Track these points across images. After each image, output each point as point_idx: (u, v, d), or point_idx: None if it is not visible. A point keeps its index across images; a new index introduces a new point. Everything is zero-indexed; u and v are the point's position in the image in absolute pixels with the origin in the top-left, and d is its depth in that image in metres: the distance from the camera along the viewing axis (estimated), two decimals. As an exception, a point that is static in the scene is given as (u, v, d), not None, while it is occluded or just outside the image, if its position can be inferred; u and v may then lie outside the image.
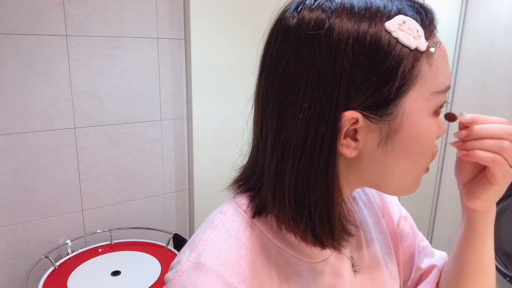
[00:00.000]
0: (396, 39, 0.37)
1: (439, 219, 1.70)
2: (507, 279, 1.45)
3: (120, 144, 1.49)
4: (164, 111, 1.56)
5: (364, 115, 0.39)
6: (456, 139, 0.46)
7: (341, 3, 0.39)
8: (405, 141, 0.40)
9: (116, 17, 1.38)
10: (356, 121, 0.39)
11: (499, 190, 0.46)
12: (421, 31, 0.39)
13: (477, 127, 0.44)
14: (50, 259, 1.31)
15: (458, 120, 0.45)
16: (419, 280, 0.62)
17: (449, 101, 1.64)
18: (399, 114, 0.39)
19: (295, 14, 0.40)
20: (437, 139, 0.43)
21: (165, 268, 1.30)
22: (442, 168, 1.68)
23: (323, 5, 0.39)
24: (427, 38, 0.39)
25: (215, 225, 0.45)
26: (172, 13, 1.50)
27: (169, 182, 1.65)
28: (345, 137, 0.40)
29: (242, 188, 0.48)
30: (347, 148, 0.40)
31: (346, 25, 0.38)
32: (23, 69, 1.26)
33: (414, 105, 0.39)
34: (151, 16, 1.45)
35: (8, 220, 1.32)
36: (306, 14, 0.39)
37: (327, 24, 0.38)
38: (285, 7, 0.43)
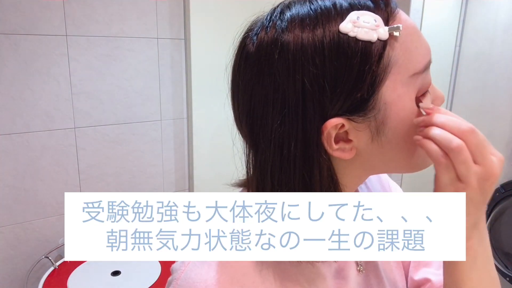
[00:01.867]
0: (355, 37, 0.36)
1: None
2: (507, 279, 1.45)
3: (120, 144, 1.49)
4: (164, 111, 1.56)
5: (347, 118, 0.39)
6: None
7: (291, 18, 0.38)
8: (396, 130, 0.40)
9: (116, 17, 1.38)
10: (342, 125, 0.39)
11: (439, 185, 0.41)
12: (378, 19, 0.37)
13: (435, 115, 0.40)
14: (50, 259, 1.31)
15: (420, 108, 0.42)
16: None
17: (449, 101, 1.64)
18: (381, 107, 0.39)
19: (255, 39, 0.40)
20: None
21: (165, 268, 1.30)
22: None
23: (276, 24, 0.39)
24: (387, 23, 0.38)
25: None
26: (172, 13, 1.50)
27: (169, 182, 1.65)
28: (337, 142, 0.40)
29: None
30: (343, 152, 0.41)
31: (299, 39, 0.37)
32: (23, 69, 1.26)
33: (394, 93, 0.39)
34: (151, 16, 1.45)
35: (8, 220, 1.32)
36: (263, 36, 0.39)
37: (279, 44, 0.38)
38: (246, 31, 0.42)
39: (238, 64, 0.42)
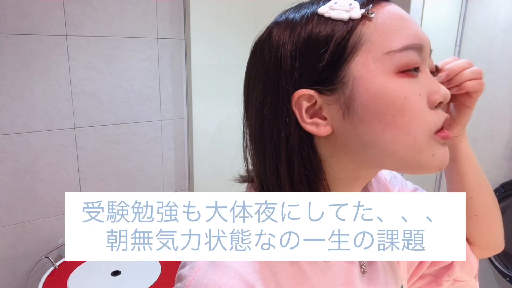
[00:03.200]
0: (329, 17, 0.40)
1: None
2: (507, 279, 1.45)
3: (120, 144, 1.49)
4: (164, 111, 1.57)
5: (316, 91, 0.41)
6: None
7: (285, 16, 0.44)
8: (366, 106, 0.40)
9: (116, 17, 1.38)
10: (315, 101, 0.41)
11: (471, 112, 0.52)
12: (355, 3, 0.41)
13: (449, 66, 0.50)
14: (50, 259, 1.31)
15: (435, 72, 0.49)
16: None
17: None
18: (349, 80, 0.40)
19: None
20: (436, 103, 0.41)
21: (165, 268, 1.30)
22: (442, 168, 1.68)
23: (280, 16, 0.45)
24: (365, 7, 0.41)
25: None
26: (172, 13, 1.50)
27: (169, 182, 1.65)
28: (311, 117, 0.42)
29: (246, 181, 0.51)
30: (317, 127, 0.42)
31: (285, 21, 0.43)
32: (23, 69, 1.26)
33: (364, 68, 0.39)
34: (151, 16, 1.45)
35: (8, 220, 1.32)
36: (268, 27, 0.45)
37: (269, 29, 0.44)
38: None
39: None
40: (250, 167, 0.49)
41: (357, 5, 0.40)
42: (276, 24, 0.44)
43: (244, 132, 0.48)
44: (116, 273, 1.27)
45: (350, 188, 0.47)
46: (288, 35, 0.42)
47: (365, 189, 0.58)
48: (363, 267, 0.51)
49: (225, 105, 1.59)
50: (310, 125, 0.42)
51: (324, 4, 0.41)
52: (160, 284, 1.23)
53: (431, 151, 0.41)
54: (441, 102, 0.42)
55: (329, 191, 0.44)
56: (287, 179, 0.43)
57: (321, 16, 0.41)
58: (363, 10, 0.40)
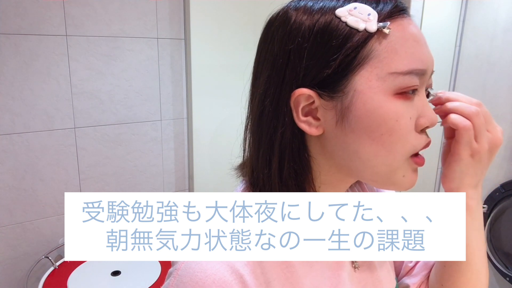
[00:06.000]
0: (345, 23, 0.40)
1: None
2: (507, 279, 1.45)
3: (120, 144, 1.49)
4: (164, 111, 1.57)
5: (317, 93, 0.41)
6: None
7: (305, 2, 0.43)
8: (360, 120, 0.41)
9: (116, 17, 1.38)
10: (313, 101, 0.42)
11: (463, 167, 0.45)
12: (374, 14, 0.40)
13: (448, 93, 0.46)
14: (50, 259, 1.31)
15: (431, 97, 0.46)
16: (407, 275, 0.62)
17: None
18: (350, 91, 0.40)
19: (276, 12, 0.45)
20: (422, 128, 0.42)
21: (165, 268, 1.30)
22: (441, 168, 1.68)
23: (292, 2, 0.44)
24: (384, 21, 0.40)
25: None
26: (172, 13, 1.50)
27: (169, 182, 1.65)
28: (306, 115, 0.43)
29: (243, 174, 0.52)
30: (309, 126, 0.43)
31: (301, 17, 0.42)
32: (23, 69, 1.26)
33: (367, 83, 0.40)
34: (151, 16, 1.45)
35: (8, 220, 1.32)
36: (281, 10, 0.45)
37: (285, 17, 0.43)
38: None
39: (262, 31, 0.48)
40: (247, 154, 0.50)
41: (375, 16, 0.40)
42: (295, 9, 0.43)
43: (247, 117, 0.49)
44: (116, 273, 1.27)
45: (334, 187, 0.48)
46: (302, 30, 0.41)
47: (361, 186, 0.59)
48: (354, 262, 0.51)
49: (225, 105, 1.59)
50: (303, 122, 0.43)
51: (344, 5, 0.41)
52: (160, 284, 1.23)
53: (403, 172, 0.43)
54: (427, 126, 0.43)
55: (314, 187, 0.45)
56: (277, 171, 0.44)
57: (338, 18, 0.40)
58: (380, 24, 0.40)
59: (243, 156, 0.50)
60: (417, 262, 0.62)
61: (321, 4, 0.42)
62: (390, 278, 0.56)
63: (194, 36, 1.50)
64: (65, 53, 1.32)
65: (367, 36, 0.40)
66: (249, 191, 0.48)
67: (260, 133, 0.45)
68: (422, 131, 0.43)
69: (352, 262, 0.51)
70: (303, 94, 0.42)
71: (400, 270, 0.63)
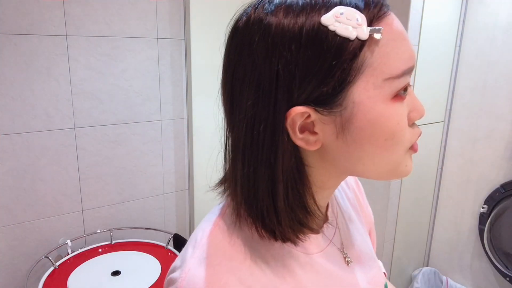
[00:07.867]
0: (334, 32, 0.36)
1: (439, 219, 1.70)
2: (507, 279, 1.45)
3: (120, 144, 1.49)
4: (164, 111, 1.57)
5: (314, 109, 0.39)
6: None
7: (279, 2, 0.39)
8: (362, 130, 0.40)
9: (116, 17, 1.38)
10: (309, 116, 0.39)
11: None
12: (362, 19, 0.37)
13: None
14: (50, 259, 1.31)
15: None
16: None
17: (449, 101, 1.64)
18: (349, 104, 0.38)
19: (244, 18, 0.41)
20: (413, 121, 0.43)
21: (165, 268, 1.30)
22: (442, 168, 1.67)
23: (264, 6, 0.39)
24: (371, 24, 0.38)
25: (216, 223, 0.46)
26: (172, 13, 1.50)
27: (169, 182, 1.65)
28: (302, 132, 0.40)
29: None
30: (307, 143, 0.41)
31: (281, 23, 0.37)
32: (23, 69, 1.26)
33: (365, 94, 0.38)
34: (151, 16, 1.45)
35: (8, 220, 1.32)
36: (251, 16, 0.40)
37: (262, 25, 0.38)
38: (242, 10, 0.43)
39: (226, 40, 0.44)
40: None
41: (364, 21, 0.37)
42: (272, 15, 0.38)
43: (225, 148, 0.46)
44: (116, 273, 1.28)
45: (329, 189, 0.48)
46: (287, 43, 0.37)
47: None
48: (346, 258, 0.52)
49: (225, 105, 1.59)
50: (300, 140, 0.40)
51: (328, 11, 0.37)
52: (160, 284, 1.23)
53: (405, 163, 0.44)
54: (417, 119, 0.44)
55: (312, 194, 0.45)
56: (283, 196, 0.41)
57: (325, 28, 0.36)
58: (371, 29, 0.37)
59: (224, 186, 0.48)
60: None
61: (300, 3, 0.38)
62: (380, 273, 0.58)
63: (194, 36, 1.50)
64: (65, 53, 1.32)
65: (360, 44, 0.37)
66: (242, 221, 0.45)
67: (255, 166, 0.41)
68: (413, 123, 0.44)
69: (344, 258, 0.52)
70: (298, 113, 0.39)
71: None
